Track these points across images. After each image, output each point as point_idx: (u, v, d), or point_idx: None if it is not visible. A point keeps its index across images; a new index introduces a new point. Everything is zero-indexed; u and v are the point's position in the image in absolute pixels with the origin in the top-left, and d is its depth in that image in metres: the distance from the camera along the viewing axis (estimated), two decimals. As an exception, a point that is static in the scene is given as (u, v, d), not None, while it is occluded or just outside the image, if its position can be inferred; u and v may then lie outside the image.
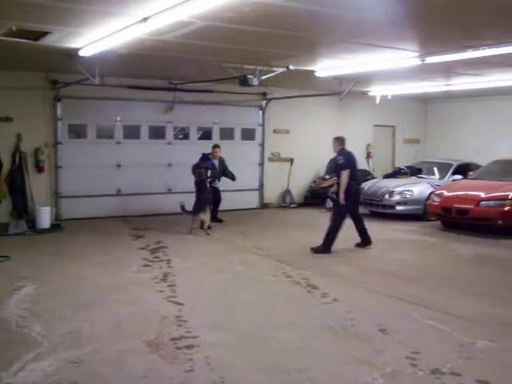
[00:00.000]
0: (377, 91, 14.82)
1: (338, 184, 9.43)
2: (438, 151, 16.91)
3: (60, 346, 5.01)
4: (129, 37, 7.30)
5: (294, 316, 6.05)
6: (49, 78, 11.87)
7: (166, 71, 11.70)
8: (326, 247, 9.27)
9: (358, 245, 9.77)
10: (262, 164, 15.16)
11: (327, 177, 14.62)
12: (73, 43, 8.18)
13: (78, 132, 12.76)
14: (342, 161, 9.41)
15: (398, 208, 13.10)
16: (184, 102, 13.44)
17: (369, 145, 17.03)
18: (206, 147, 12.31)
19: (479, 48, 7.89)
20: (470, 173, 13.32)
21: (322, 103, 15.14)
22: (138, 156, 13.16)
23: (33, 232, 10.93)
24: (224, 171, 12.32)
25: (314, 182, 15.67)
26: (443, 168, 14.27)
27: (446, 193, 11.92)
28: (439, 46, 8.21)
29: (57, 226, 11.44)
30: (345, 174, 9.28)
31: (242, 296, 6.84)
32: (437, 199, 11.93)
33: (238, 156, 14.04)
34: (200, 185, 11.19)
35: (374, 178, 15.40)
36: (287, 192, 15.39)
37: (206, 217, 10.96)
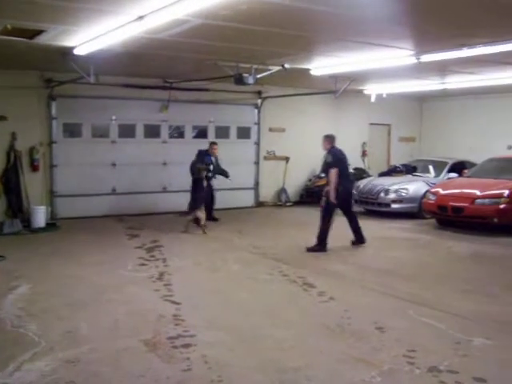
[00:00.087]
0: (372, 90, 14.82)
1: (327, 182, 9.47)
2: (434, 149, 16.93)
3: (56, 346, 4.99)
4: (124, 35, 7.28)
5: (290, 315, 6.06)
6: (43, 76, 11.82)
7: (161, 70, 11.67)
8: (320, 246, 9.28)
9: (353, 243, 9.78)
10: (257, 162, 15.15)
11: (323, 175, 14.44)
12: (68, 41, 8.14)
13: (73, 131, 12.71)
14: (330, 159, 9.41)
15: (394, 206, 13.12)
16: (179, 101, 13.42)
17: (364, 143, 17.07)
18: (201, 146, 12.32)
19: (475, 46, 7.90)
20: (466, 171, 13.35)
21: (318, 102, 15.15)
22: (133, 155, 13.12)
23: (28, 231, 10.89)
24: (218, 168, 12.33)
25: (310, 180, 15.69)
26: (438, 166, 14.30)
27: (441, 191, 11.95)
28: (435, 45, 8.21)
29: (52, 225, 11.40)
30: (333, 172, 9.29)
31: (239, 295, 6.83)
32: (432, 197, 11.95)
33: (234, 154, 14.03)
34: (197, 183, 11.17)
35: (369, 176, 15.44)
36: (283, 190, 15.40)
37: (202, 214, 10.96)
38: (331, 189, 9.27)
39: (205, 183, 11.34)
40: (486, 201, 11.01)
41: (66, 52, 8.74)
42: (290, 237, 10.77)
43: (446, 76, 12.14)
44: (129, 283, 7.22)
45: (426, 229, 11.81)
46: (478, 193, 11.23)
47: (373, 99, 15.00)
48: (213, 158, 11.96)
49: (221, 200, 12.81)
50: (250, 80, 10.28)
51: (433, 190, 12.26)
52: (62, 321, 5.72)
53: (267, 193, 15.36)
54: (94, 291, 6.82)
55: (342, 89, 12.16)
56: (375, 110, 16.34)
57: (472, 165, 13.86)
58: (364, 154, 16.97)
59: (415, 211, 12.99)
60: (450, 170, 13.91)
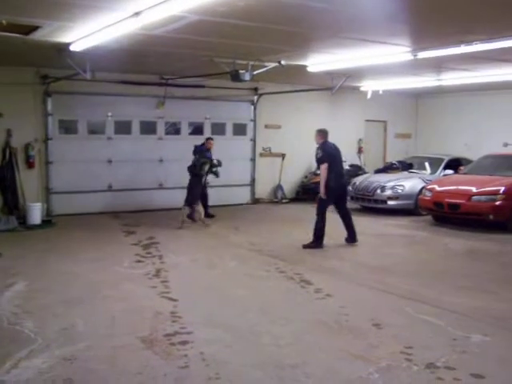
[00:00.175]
0: (368, 86, 14.82)
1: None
2: (430, 146, 16.97)
3: (53, 343, 4.98)
4: (120, 31, 7.24)
5: (287, 311, 6.05)
6: (39, 72, 11.77)
7: (157, 66, 11.63)
8: (317, 243, 9.28)
9: (346, 240, 9.72)
10: (253, 159, 15.13)
11: (319, 172, 14.59)
12: (64, 38, 8.10)
13: (68, 127, 12.67)
14: (321, 154, 9.39)
15: (390, 203, 13.13)
16: (175, 97, 13.37)
17: (360, 140, 17.06)
18: (197, 142, 12.28)
19: (472, 43, 7.89)
20: (462, 167, 13.40)
21: (314, 98, 15.12)
22: (129, 151, 13.09)
23: (23, 228, 10.86)
24: None
25: (306, 177, 15.68)
26: (434, 163, 14.32)
27: (437, 187, 11.97)
28: (431, 41, 8.19)
29: (48, 221, 11.37)
30: (323, 168, 9.27)
31: (236, 292, 6.82)
32: (428, 194, 11.97)
33: (230, 151, 14.01)
34: (195, 179, 11.17)
35: (365, 172, 15.44)
36: (279, 187, 15.39)
37: (200, 208, 10.94)
38: (321, 185, 9.27)
39: (203, 180, 11.33)
40: (482, 198, 11.03)
41: (62, 48, 8.69)
42: (286, 233, 10.77)
43: (441, 73, 12.15)
44: (125, 280, 7.21)
45: (423, 225, 11.83)
46: (474, 189, 11.25)
47: (369, 96, 14.99)
48: (213, 156, 11.96)
49: (217, 197, 12.77)
50: (247, 76, 10.25)
51: (429, 186, 12.28)
52: (59, 318, 5.71)
53: (263, 189, 15.34)
54: (91, 288, 6.80)
55: (338, 85, 12.16)
56: (371, 107, 16.33)
57: (468, 162, 13.89)
58: (360, 150, 16.98)
59: (411, 208, 13.00)
60: (445, 167, 13.94)
